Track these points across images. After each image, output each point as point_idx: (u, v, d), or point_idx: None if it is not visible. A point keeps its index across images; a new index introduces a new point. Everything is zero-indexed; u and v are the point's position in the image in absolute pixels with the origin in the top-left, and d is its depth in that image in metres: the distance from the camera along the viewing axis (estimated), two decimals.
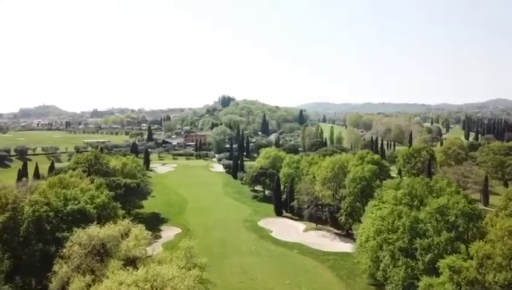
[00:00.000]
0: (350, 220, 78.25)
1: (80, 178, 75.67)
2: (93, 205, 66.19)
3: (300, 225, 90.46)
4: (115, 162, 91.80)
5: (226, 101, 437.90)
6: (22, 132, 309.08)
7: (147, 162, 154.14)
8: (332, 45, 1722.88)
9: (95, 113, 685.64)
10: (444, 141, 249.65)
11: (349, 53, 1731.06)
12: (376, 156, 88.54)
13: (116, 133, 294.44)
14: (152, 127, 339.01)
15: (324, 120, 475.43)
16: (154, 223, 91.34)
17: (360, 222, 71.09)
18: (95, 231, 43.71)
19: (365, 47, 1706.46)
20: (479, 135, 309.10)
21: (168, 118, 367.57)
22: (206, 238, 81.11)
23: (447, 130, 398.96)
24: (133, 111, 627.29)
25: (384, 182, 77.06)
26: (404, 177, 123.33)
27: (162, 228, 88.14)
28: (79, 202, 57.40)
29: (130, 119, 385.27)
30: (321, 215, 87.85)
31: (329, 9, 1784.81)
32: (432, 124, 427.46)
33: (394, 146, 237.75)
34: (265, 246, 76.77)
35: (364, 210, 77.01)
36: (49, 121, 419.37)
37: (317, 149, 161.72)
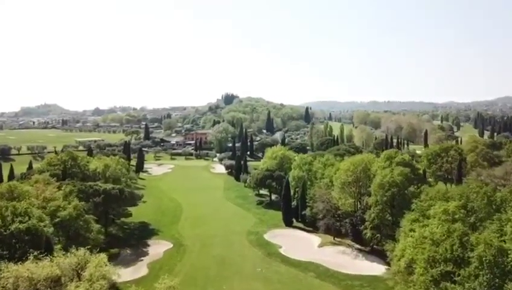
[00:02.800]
0: (378, 235, 63.95)
1: (47, 184, 61.84)
2: (58, 218, 52.63)
3: (315, 239, 76.18)
4: (96, 164, 77.90)
5: (229, 99, 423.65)
6: (16, 131, 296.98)
7: (141, 162, 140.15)
8: (336, 43, 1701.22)
9: (97, 112, 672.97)
10: (459, 139, 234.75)
11: (354, 51, 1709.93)
12: (406, 156, 74.19)
13: (114, 132, 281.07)
14: (152, 126, 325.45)
15: (330, 118, 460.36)
16: (141, 235, 77.76)
17: (393, 239, 56.95)
18: (27, 270, 29.73)
19: (370, 45, 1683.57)
20: (495, 133, 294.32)
21: (169, 116, 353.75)
22: (201, 256, 67.22)
23: (458, 128, 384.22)
24: (135, 110, 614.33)
25: (423, 188, 62.75)
26: (430, 179, 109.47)
27: (150, 242, 74.21)
28: (29, 218, 43.37)
29: (130, 118, 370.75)
30: (340, 228, 73.58)
31: (332, 7, 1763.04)
32: (441, 121, 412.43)
33: (408, 145, 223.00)
34: (274, 267, 62.71)
35: (395, 223, 62.93)
36: (45, 120, 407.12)
37: (327, 148, 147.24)
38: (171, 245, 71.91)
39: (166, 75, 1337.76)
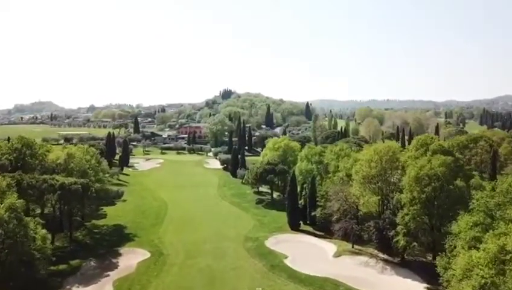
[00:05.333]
0: (414, 243, 49.22)
1: None
2: None
3: (328, 246, 61.37)
4: (57, 153, 62.70)
5: (227, 94, 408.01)
6: (3, 126, 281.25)
7: (126, 156, 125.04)
8: (335, 42, 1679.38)
9: (92, 109, 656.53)
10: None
11: (353, 50, 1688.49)
12: (445, 143, 59.34)
13: (105, 127, 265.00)
14: (145, 121, 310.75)
15: (331, 116, 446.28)
16: (113, 242, 62.72)
17: (433, 249, 42.26)
18: None
19: (369, 45, 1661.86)
20: (505, 129, 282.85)
21: (163, 110, 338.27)
22: (185, 269, 52.46)
23: (463, 125, 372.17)
24: (130, 107, 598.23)
25: (473, 182, 48.18)
26: None
27: (122, 250, 59.20)
28: None
29: (123, 113, 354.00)
30: (361, 232, 58.81)
31: (331, 6, 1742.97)
32: (445, 118, 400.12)
33: None
34: (279, 285, 48.22)
35: (436, 227, 48.40)
36: (34, 115, 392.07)
37: (333, 142, 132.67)
38: (148, 255, 57.08)
39: (163, 72, 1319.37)
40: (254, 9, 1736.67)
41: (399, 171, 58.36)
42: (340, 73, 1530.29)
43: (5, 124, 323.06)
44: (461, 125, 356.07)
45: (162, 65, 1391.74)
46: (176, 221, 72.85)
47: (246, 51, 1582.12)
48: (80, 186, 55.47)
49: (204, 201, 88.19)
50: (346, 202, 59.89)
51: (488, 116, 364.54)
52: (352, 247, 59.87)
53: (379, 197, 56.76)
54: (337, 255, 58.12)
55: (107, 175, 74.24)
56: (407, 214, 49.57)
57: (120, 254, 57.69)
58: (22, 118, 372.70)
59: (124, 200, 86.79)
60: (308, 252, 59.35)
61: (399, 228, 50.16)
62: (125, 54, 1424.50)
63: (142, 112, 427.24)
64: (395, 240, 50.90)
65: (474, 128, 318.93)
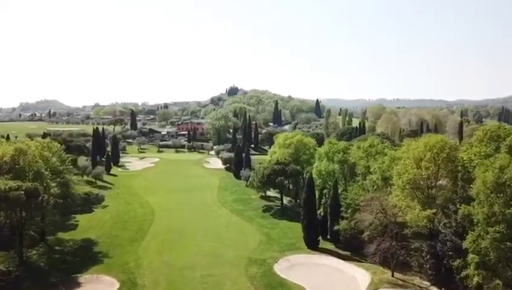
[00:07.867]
0: (498, 282, 33.52)
1: None
2: None
3: (360, 273, 45.82)
4: (4, 149, 47.74)
5: (233, 91, 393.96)
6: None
7: (115, 155, 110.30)
8: (343, 41, 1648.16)
9: (97, 107, 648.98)
10: None
11: (360, 49, 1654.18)
12: None
13: (103, 124, 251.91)
14: (147, 118, 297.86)
15: (340, 114, 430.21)
16: (75, 264, 47.66)
17: None
18: None
19: (377, 44, 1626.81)
20: None
21: (166, 107, 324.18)
22: None
23: (482, 124, 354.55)
24: (135, 105, 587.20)
25: None
26: None
27: (83, 278, 44.11)
28: None
29: (124, 110, 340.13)
30: (406, 257, 43.28)
31: (337, 5, 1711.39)
32: (461, 116, 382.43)
33: None
34: None
35: None
36: (33, 112, 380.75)
37: (350, 139, 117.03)
38: (117, 285, 42.02)
39: (169, 71, 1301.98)
40: (258, 8, 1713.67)
41: (458, 175, 42.88)
42: (346, 72, 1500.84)
43: (5, 121, 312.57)
44: (480, 124, 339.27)
45: (168, 63, 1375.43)
46: (161, 235, 57.68)
47: (252, 49, 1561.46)
48: (22, 192, 40.58)
49: (200, 209, 72.93)
50: (384, 215, 44.37)
51: (509, 114, 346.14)
52: (392, 275, 44.39)
53: (434, 210, 41.02)
54: (373, 287, 42.55)
55: (73, 175, 59.51)
56: (482, 237, 34.02)
57: (79, 284, 42.66)
58: (20, 114, 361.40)
59: (105, 206, 72.41)
60: (333, 283, 43.97)
61: (471, 257, 34.53)
62: (131, 52, 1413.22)
63: (146, 109, 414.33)
64: (463, 274, 35.27)
65: None
